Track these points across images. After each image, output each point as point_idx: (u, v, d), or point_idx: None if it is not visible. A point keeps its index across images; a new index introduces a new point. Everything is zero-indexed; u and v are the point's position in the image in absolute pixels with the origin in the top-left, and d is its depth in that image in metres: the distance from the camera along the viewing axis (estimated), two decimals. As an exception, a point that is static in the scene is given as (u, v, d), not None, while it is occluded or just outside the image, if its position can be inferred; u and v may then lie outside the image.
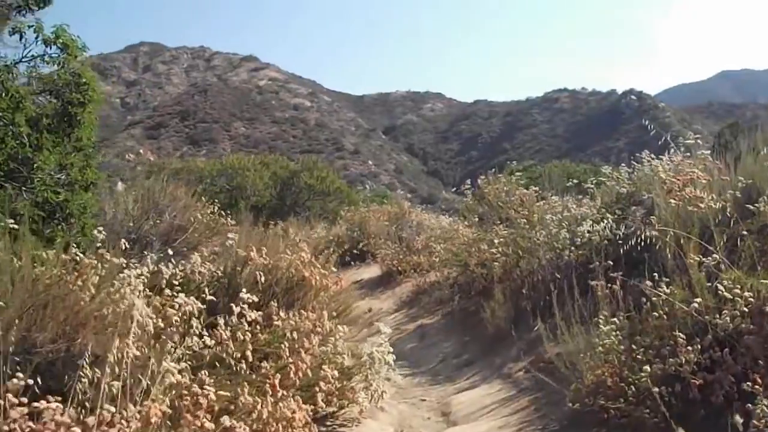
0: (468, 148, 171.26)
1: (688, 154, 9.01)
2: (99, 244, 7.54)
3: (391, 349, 7.49)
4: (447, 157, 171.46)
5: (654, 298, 5.69)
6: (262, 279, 7.74)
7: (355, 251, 19.82)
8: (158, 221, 11.68)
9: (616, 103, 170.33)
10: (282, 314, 7.25)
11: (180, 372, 5.14)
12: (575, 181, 12.20)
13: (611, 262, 8.12)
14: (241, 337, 6.31)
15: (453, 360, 9.82)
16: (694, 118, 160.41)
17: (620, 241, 8.36)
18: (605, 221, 9.07)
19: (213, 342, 5.91)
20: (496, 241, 10.95)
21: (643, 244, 7.61)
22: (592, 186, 11.44)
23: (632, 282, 7.51)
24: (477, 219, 13.36)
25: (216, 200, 26.36)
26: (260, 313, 7.06)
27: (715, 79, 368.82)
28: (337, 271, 9.47)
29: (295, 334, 6.77)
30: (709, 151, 7.68)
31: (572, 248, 9.44)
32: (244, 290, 6.90)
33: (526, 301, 9.40)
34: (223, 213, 13.98)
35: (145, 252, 9.82)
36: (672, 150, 9.31)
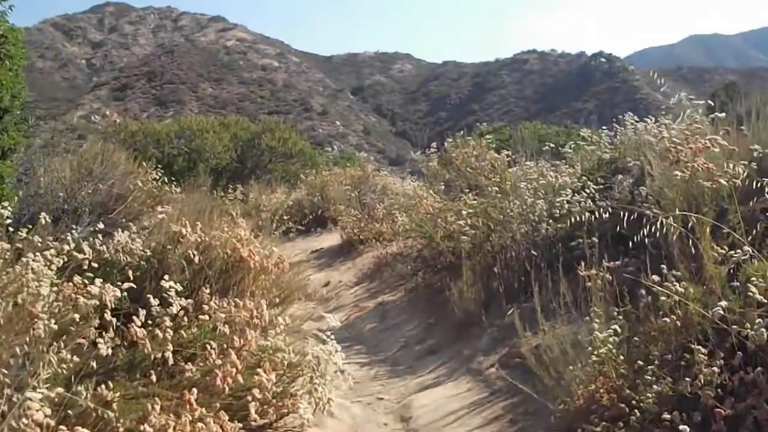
0: (437, 109, 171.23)
1: (678, 117, 8.05)
2: (8, 221, 6.55)
3: (339, 348, 6.36)
4: (415, 117, 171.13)
5: (663, 298, 4.60)
6: (196, 259, 6.67)
7: (315, 217, 18.82)
8: (94, 190, 10.57)
9: (586, 65, 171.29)
10: (215, 302, 6.19)
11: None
12: (552, 145, 11.03)
13: (596, 239, 7.12)
14: (161, 335, 5.26)
15: (416, 346, 8.69)
16: (663, 81, 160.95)
17: (606, 216, 7.35)
18: (587, 190, 8.06)
19: (107, 348, 4.79)
20: (464, 212, 9.72)
21: (634, 219, 6.61)
22: (570, 150, 10.42)
23: (622, 262, 6.57)
24: (443, 186, 12.20)
25: (174, 164, 25.57)
26: (190, 301, 6.02)
27: (684, 42, 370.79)
28: (279, 247, 8.34)
29: (227, 328, 5.70)
30: (723, 114, 6.58)
31: (550, 221, 8.39)
32: (166, 276, 5.85)
33: (498, 280, 8.23)
34: (168, 179, 12.81)
35: (74, 226, 8.73)
36: (663, 113, 8.34)
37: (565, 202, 8.26)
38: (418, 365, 8.02)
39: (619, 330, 4.81)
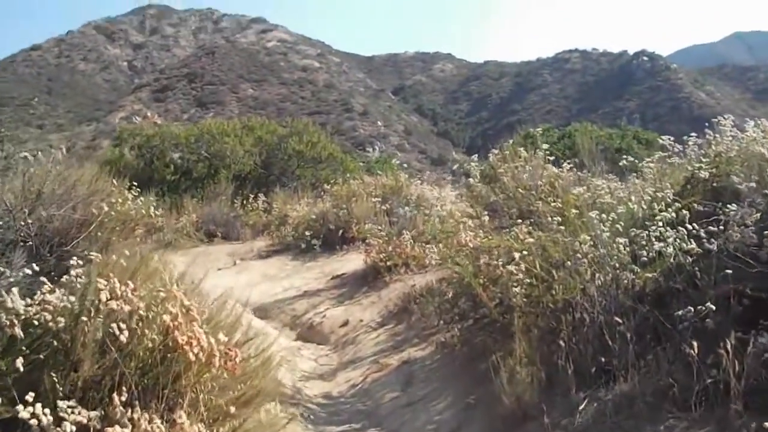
0: (478, 108, 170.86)
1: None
2: None
3: None
4: (457, 117, 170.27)
5: None
6: (123, 338, 4.40)
7: (341, 233, 16.43)
8: (45, 217, 8.33)
9: (628, 64, 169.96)
10: (134, 415, 3.93)
11: None
12: (630, 158, 8.29)
13: (712, 306, 4.81)
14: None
15: (448, 442, 6.29)
16: (707, 80, 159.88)
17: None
18: (688, 226, 5.72)
19: None
20: (517, 255, 6.95)
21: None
22: (651, 165, 7.98)
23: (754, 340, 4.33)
24: (487, 215, 9.42)
25: (194, 170, 23.60)
26: (95, 413, 3.83)
27: (727, 40, 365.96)
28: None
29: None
30: None
31: (635, 268, 5.94)
32: (31, 393, 3.66)
33: (564, 355, 5.61)
34: (151, 200, 10.48)
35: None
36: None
37: (654, 239, 5.89)
38: (450, 479, 5.60)
39: None
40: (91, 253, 5.47)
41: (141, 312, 4.53)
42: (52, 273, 6.14)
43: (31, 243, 7.91)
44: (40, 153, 9.84)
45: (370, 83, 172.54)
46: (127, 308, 4.63)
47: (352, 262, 14.52)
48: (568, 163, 9.38)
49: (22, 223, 7.85)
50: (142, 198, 10.31)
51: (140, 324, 4.50)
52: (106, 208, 8.68)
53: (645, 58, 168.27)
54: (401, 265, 12.23)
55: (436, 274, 10.08)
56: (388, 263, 12.38)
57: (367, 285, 12.52)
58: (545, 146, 9.78)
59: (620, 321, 5.36)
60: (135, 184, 11.08)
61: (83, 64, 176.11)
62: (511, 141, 10.88)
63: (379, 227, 13.97)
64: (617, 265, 5.98)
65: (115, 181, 9.59)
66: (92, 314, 4.64)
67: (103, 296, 4.63)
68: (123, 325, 4.49)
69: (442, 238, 9.97)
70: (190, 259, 16.93)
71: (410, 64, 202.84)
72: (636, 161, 8.14)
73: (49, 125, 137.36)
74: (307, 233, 16.60)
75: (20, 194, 8.37)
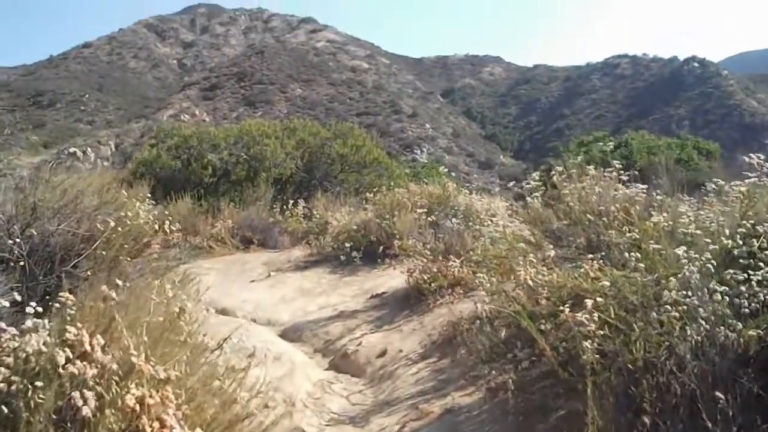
0: (527, 113, 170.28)
1: None
2: None
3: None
4: (505, 121, 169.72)
5: None
6: (85, 411, 3.35)
7: (383, 246, 15.20)
8: (47, 231, 7.33)
9: (678, 70, 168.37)
10: None
11: None
12: (716, 181, 6.97)
13: None
14: None
15: None
16: (758, 87, 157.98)
17: None
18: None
19: None
20: (588, 302, 5.47)
21: None
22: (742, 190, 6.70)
23: None
24: (550, 241, 8.06)
25: (232, 173, 22.74)
26: None
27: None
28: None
29: None
30: None
31: (736, 323, 4.72)
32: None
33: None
34: (166, 214, 9.32)
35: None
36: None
37: (756, 284, 4.72)
38: None
39: None
40: (60, 295, 4.42)
41: (99, 389, 3.45)
42: (48, 298, 5.15)
43: (23, 263, 6.89)
44: (89, 149, 8.87)
45: (418, 85, 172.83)
46: (91, 372, 3.57)
47: (394, 279, 13.35)
48: (628, 178, 8.09)
49: (11, 241, 6.82)
50: (155, 211, 9.13)
51: (99, 402, 3.42)
52: (113, 223, 7.63)
53: (695, 64, 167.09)
54: (447, 287, 11.07)
55: (486, 304, 8.83)
56: (433, 285, 11.22)
57: (409, 308, 11.35)
58: (617, 163, 8.41)
59: (720, 396, 4.19)
60: (150, 195, 10.03)
61: (134, 62, 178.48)
62: (576, 157, 9.55)
63: (424, 242, 12.80)
64: (713, 318, 4.78)
65: (125, 192, 8.48)
66: (47, 380, 3.58)
67: (61, 359, 3.58)
68: (89, 393, 3.44)
69: (493, 267, 8.66)
70: (223, 267, 15.99)
71: (459, 67, 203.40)
72: (722, 184, 6.88)
73: (99, 121, 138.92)
74: (347, 244, 15.54)
75: (14, 207, 7.38)
